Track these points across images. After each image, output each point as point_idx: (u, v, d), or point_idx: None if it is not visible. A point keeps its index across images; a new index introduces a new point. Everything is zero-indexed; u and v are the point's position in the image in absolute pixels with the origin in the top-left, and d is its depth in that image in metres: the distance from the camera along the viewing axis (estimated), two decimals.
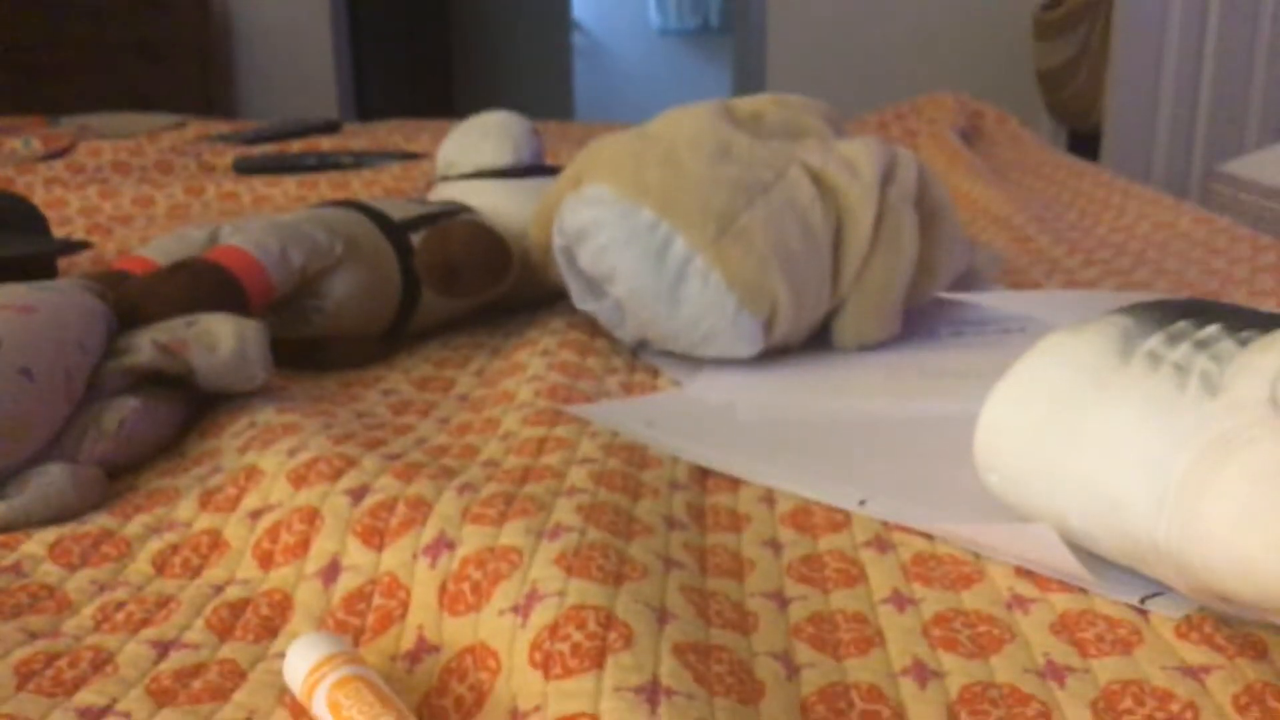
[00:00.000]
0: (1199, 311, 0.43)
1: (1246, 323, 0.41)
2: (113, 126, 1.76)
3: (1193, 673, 0.35)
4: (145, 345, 0.55)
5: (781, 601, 0.41)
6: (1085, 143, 2.89)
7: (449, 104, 4.41)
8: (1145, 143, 2.79)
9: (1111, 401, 0.40)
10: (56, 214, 1.14)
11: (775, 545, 0.46)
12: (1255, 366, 0.38)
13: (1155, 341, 0.41)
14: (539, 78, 4.60)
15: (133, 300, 0.58)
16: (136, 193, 1.21)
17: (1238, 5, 2.72)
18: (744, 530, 0.47)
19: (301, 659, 0.35)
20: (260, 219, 0.70)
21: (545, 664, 0.34)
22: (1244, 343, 0.39)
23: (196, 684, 0.37)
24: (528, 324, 0.79)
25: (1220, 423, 0.37)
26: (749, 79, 3.39)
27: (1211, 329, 0.41)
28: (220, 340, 0.55)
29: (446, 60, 4.58)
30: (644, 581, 0.39)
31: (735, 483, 0.52)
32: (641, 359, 0.73)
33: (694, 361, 0.71)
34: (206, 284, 0.60)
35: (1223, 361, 0.39)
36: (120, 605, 0.42)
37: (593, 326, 0.76)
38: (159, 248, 0.68)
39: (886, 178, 0.72)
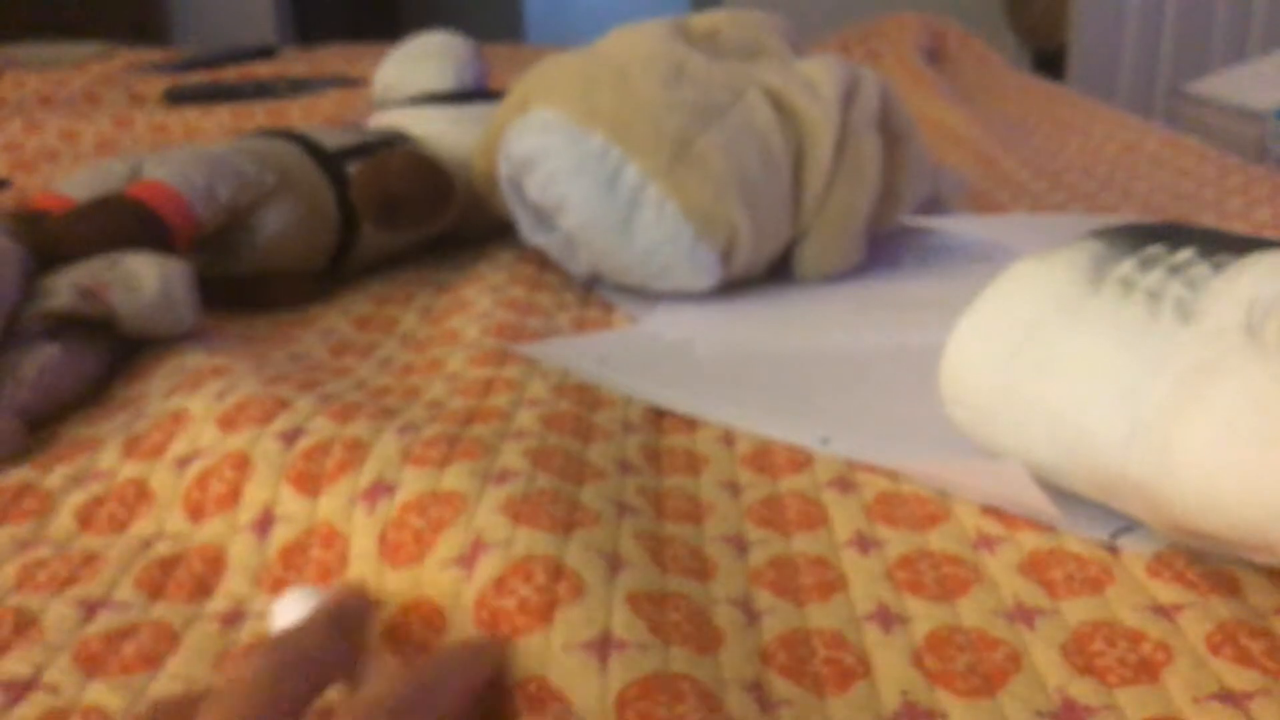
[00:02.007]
0: (1172, 235, 0.41)
1: (1221, 246, 0.39)
2: (37, 57, 1.68)
3: (1165, 612, 0.34)
4: (64, 289, 0.51)
5: (741, 546, 0.40)
6: (1050, 62, 2.86)
7: (394, 26, 4.26)
8: (1110, 61, 2.77)
9: (1082, 330, 0.38)
10: None
11: (734, 487, 0.44)
12: (1230, 293, 0.36)
13: (1128, 267, 0.39)
14: None
15: (50, 240, 0.55)
16: (62, 126, 1.15)
17: None
18: (702, 472, 0.45)
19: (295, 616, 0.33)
20: (185, 150, 0.65)
21: (492, 623, 0.32)
22: (1218, 267, 0.37)
23: (128, 648, 0.35)
24: (475, 258, 0.76)
25: (1195, 352, 0.35)
26: None
27: (1185, 253, 0.39)
28: (143, 281, 0.52)
29: None
30: (596, 528, 0.37)
31: (692, 423, 0.50)
32: (595, 293, 0.70)
33: (650, 296, 0.69)
34: (127, 221, 0.56)
35: (1197, 287, 0.37)
36: (43, 563, 0.40)
37: (543, 260, 0.73)
38: (77, 183, 0.64)
39: (848, 99, 0.69)
